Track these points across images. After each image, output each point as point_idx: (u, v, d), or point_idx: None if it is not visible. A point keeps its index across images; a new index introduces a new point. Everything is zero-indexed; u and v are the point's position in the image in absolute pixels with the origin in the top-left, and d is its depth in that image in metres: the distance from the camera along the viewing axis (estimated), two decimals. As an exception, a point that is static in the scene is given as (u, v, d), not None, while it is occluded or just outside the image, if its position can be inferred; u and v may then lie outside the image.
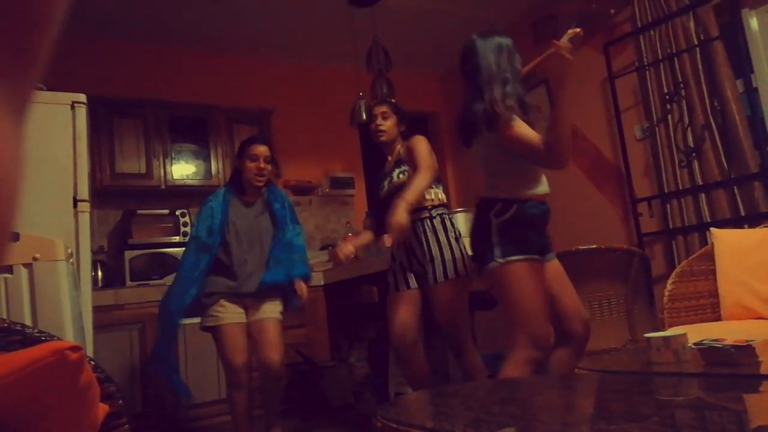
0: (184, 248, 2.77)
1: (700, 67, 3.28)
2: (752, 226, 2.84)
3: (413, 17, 4.40)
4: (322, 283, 3.87)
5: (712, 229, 2.57)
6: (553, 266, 2.07)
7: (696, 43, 3.31)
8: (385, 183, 2.57)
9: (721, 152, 3.19)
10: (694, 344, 1.44)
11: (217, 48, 4.56)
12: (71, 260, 1.93)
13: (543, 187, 2.00)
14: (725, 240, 2.42)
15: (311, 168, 4.85)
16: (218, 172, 4.22)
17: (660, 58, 3.49)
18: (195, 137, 4.25)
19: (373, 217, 2.75)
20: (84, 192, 2.19)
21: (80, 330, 1.91)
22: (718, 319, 2.32)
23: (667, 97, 3.44)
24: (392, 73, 3.90)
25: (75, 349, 0.95)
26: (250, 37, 4.47)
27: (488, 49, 2.02)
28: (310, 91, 4.98)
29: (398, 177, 2.50)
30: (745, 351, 1.32)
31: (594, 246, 2.72)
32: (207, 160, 4.25)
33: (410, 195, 2.20)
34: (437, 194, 2.50)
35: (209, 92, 4.44)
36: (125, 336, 3.36)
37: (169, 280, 3.69)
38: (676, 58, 3.40)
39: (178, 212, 4.04)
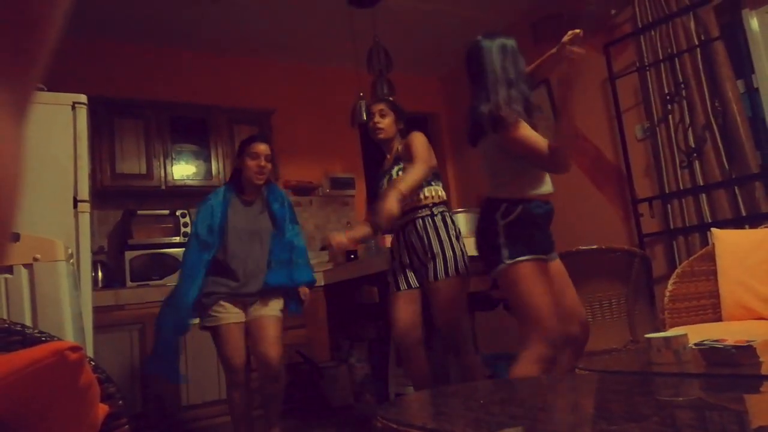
0: (184, 249, 2.76)
1: (700, 67, 3.28)
2: (753, 226, 2.83)
3: (413, 17, 4.40)
4: (323, 284, 3.87)
5: (713, 229, 2.57)
6: (555, 266, 2.07)
7: (697, 43, 3.31)
8: (385, 180, 2.57)
9: (722, 152, 3.19)
10: (695, 345, 1.44)
11: (217, 48, 4.56)
12: (71, 261, 1.93)
13: (547, 186, 2.01)
14: (726, 240, 2.42)
15: (311, 168, 4.85)
16: (219, 173, 4.22)
17: (661, 58, 3.49)
18: (195, 137, 4.25)
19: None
20: (84, 192, 2.19)
21: (80, 330, 1.91)
22: (719, 319, 2.32)
23: (668, 97, 3.44)
24: (392, 73, 3.90)
25: (75, 349, 0.95)
26: (250, 37, 4.47)
27: (493, 50, 2.02)
28: (311, 92, 4.98)
29: (397, 174, 2.50)
30: (746, 351, 1.32)
31: (595, 246, 2.72)
32: (207, 160, 4.25)
33: (403, 185, 2.19)
34: (437, 191, 2.51)
35: (209, 92, 4.44)
36: (125, 336, 3.36)
37: (169, 280, 3.70)
38: (676, 59, 3.40)
39: (178, 213, 4.04)
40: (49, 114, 2.15)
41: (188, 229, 3.92)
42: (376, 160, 2.83)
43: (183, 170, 4.17)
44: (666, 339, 1.47)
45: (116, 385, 1.21)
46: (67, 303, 1.73)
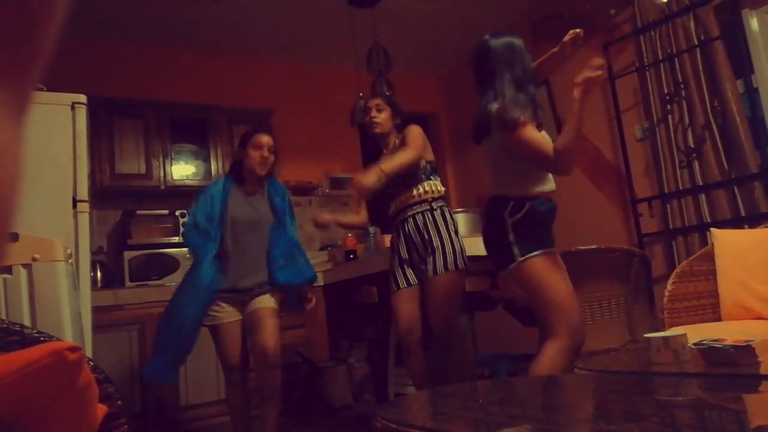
0: (184, 249, 2.75)
1: (700, 67, 3.28)
2: (752, 226, 2.84)
3: (413, 17, 4.40)
4: (322, 284, 3.87)
5: (712, 229, 2.57)
6: None
7: (696, 43, 3.31)
8: None
9: (722, 152, 3.19)
10: (694, 344, 1.44)
11: (217, 48, 4.56)
12: (70, 261, 1.93)
13: (550, 184, 2.03)
14: (725, 240, 2.42)
15: (311, 168, 4.85)
16: (218, 173, 4.21)
17: (660, 58, 3.49)
18: (195, 137, 4.25)
19: (368, 207, 2.76)
20: (83, 192, 2.19)
21: (79, 330, 1.91)
22: (718, 319, 2.32)
23: (668, 97, 3.44)
24: (392, 73, 3.90)
25: (74, 349, 0.95)
26: (250, 37, 4.47)
27: (501, 50, 2.02)
28: (310, 92, 4.98)
29: None
30: (745, 351, 1.32)
31: (594, 246, 2.71)
32: (207, 160, 4.25)
33: (387, 164, 2.19)
34: (436, 186, 2.51)
35: (209, 92, 4.44)
36: (124, 336, 3.35)
37: (168, 280, 3.70)
38: (676, 59, 3.40)
39: (177, 213, 4.04)
40: (49, 114, 2.15)
41: (188, 229, 3.91)
42: (376, 159, 2.82)
43: (182, 170, 4.17)
44: (665, 339, 1.47)
45: (115, 385, 1.21)
46: (66, 303, 1.72)
